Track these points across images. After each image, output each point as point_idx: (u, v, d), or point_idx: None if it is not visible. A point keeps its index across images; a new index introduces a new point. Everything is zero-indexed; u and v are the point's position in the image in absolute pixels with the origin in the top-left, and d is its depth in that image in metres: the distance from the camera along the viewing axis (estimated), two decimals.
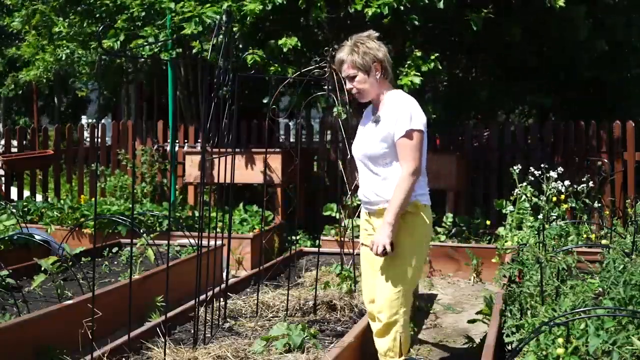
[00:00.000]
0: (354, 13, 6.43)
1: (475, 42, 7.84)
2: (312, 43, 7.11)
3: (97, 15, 7.85)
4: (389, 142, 3.24)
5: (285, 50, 6.50)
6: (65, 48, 8.25)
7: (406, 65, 6.43)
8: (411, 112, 3.23)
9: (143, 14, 7.06)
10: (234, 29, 6.42)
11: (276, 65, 6.51)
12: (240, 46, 6.40)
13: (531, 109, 10.66)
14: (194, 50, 6.80)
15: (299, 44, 6.56)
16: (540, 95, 9.11)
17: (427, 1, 6.19)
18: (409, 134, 3.20)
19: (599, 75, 8.81)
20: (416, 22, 6.39)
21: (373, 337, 3.43)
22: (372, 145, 3.30)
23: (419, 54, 6.46)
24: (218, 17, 6.27)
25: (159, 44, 7.05)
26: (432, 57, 6.42)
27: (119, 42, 7.19)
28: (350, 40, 3.38)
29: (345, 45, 3.39)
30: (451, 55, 8.92)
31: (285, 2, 6.43)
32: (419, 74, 6.32)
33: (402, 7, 6.20)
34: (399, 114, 3.23)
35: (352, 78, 3.35)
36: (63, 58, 8.35)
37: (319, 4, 6.44)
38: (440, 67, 6.60)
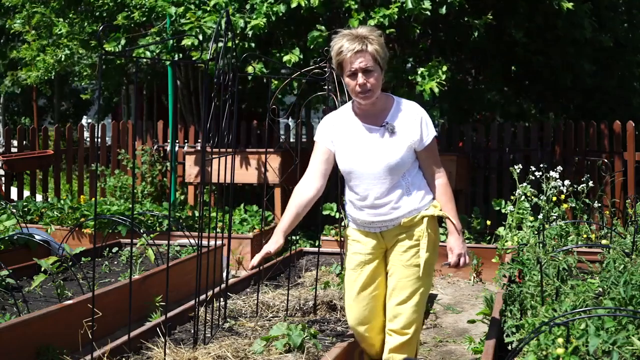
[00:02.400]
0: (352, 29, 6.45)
1: (478, 44, 7.84)
2: (313, 54, 7.13)
3: (97, 15, 7.86)
4: (411, 150, 3.10)
5: (289, 65, 6.52)
6: (65, 49, 8.27)
7: (425, 72, 6.40)
8: (429, 118, 3.16)
9: (144, 19, 7.08)
10: (232, 42, 6.44)
11: (278, 81, 6.54)
12: (243, 56, 6.39)
13: (531, 110, 10.66)
14: (193, 58, 6.83)
15: (301, 57, 6.56)
16: (544, 106, 9.16)
17: (428, 13, 6.19)
18: (434, 140, 3.16)
19: (601, 81, 8.83)
20: (417, 31, 6.41)
21: (385, 352, 3.28)
22: (396, 155, 3.06)
23: (443, 67, 6.43)
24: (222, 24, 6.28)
25: (160, 47, 7.07)
26: (444, 68, 6.39)
27: (120, 46, 7.21)
28: (356, 29, 3.04)
29: (350, 34, 3.01)
30: (454, 58, 8.93)
31: (287, 13, 6.44)
32: (444, 82, 6.29)
33: (404, 17, 6.22)
34: (424, 119, 3.12)
35: (368, 72, 2.97)
36: (63, 58, 8.36)
37: (315, 30, 6.44)
38: (449, 76, 6.60)
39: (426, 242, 3.12)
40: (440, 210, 3.16)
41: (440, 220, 3.22)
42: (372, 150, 3.09)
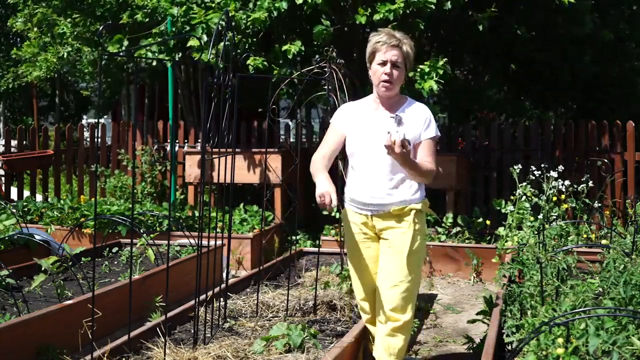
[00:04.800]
0: (354, 25, 6.44)
1: (480, 41, 7.83)
2: (315, 49, 7.10)
3: (100, 15, 7.86)
4: (412, 143, 3.32)
5: (290, 56, 6.51)
6: (67, 47, 8.27)
7: (424, 69, 6.38)
8: (434, 120, 3.43)
9: (147, 19, 7.09)
10: (237, 38, 6.41)
11: (282, 70, 6.52)
12: (243, 55, 6.38)
13: (534, 109, 10.67)
14: (195, 58, 6.83)
15: (303, 49, 6.57)
16: (545, 105, 9.16)
17: (433, 7, 6.18)
18: (434, 139, 3.41)
19: (601, 74, 8.81)
20: (421, 26, 6.39)
21: (378, 338, 3.41)
22: None
23: (440, 62, 6.43)
24: (223, 23, 6.28)
25: (162, 47, 7.07)
26: (441, 63, 6.40)
27: (123, 48, 7.22)
28: (393, 31, 3.36)
29: (389, 32, 3.35)
30: (456, 55, 8.92)
31: (288, 8, 6.42)
32: (442, 80, 6.31)
33: (408, 12, 6.20)
34: (430, 119, 3.40)
35: (395, 66, 3.31)
36: (65, 56, 8.36)
37: (320, 25, 6.41)
38: (449, 72, 6.57)
39: (412, 232, 3.35)
40: (429, 208, 3.46)
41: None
42: (377, 137, 3.31)
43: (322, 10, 6.48)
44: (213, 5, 6.65)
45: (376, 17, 6.16)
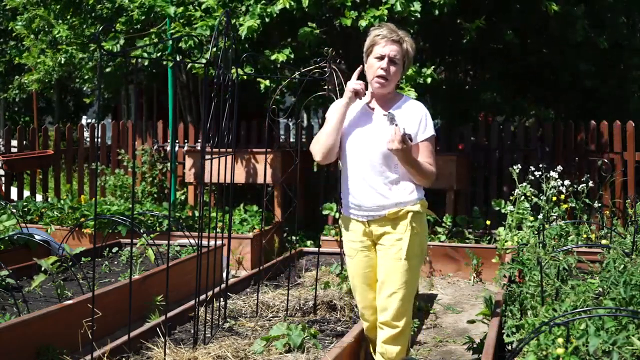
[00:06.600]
0: (344, 27, 6.45)
1: (474, 45, 7.84)
2: (304, 55, 7.11)
3: (98, 17, 7.86)
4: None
5: (278, 65, 6.51)
6: (64, 52, 8.27)
7: (411, 74, 6.39)
8: (430, 118, 3.31)
9: (143, 17, 7.07)
10: (232, 42, 6.41)
11: (277, 81, 6.54)
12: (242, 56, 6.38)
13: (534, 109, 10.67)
14: (192, 59, 6.84)
15: (292, 56, 6.56)
16: (540, 106, 9.17)
17: (418, 15, 6.18)
18: (431, 139, 3.28)
19: (600, 82, 8.82)
20: (411, 32, 6.39)
21: (377, 343, 3.37)
22: None
23: (428, 70, 6.43)
24: (207, 33, 6.32)
25: (159, 47, 7.06)
26: (428, 72, 6.39)
27: (118, 46, 7.21)
28: (396, 28, 3.24)
29: (390, 27, 3.23)
30: (450, 57, 8.92)
31: (279, 13, 6.42)
32: (413, 89, 6.30)
33: (394, 18, 6.21)
34: (425, 117, 3.27)
35: (393, 62, 3.18)
36: (63, 61, 8.37)
37: (306, 27, 6.42)
38: (436, 78, 6.57)
39: (409, 236, 3.22)
40: (427, 208, 3.34)
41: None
42: (370, 135, 3.24)
43: (309, 12, 6.48)
44: (199, 13, 6.61)
45: (362, 22, 6.15)
